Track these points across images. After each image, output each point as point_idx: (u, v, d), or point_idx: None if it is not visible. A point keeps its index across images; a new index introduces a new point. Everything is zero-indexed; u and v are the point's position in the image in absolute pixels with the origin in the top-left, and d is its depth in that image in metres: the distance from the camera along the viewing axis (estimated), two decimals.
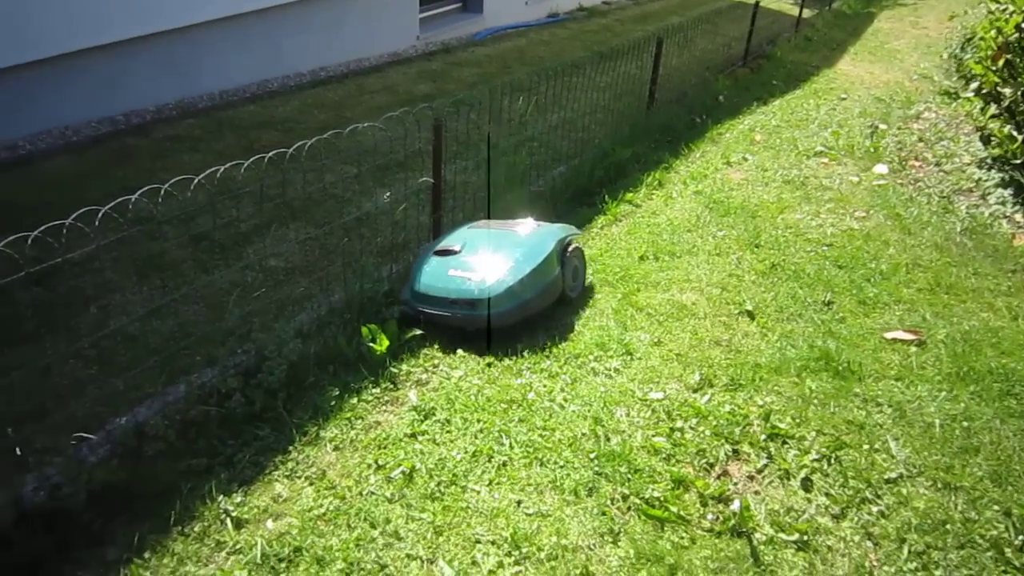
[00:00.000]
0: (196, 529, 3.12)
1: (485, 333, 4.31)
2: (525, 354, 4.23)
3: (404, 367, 4.10)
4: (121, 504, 3.22)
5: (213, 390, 3.77)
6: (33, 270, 3.11)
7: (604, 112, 7.76)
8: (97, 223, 3.21)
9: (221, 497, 3.24)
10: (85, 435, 3.52)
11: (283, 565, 2.95)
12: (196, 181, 3.60)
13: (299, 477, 3.40)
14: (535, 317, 4.47)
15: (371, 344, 4.13)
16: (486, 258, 4.40)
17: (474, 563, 2.93)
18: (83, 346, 4.30)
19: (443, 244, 4.61)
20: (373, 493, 3.29)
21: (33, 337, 4.45)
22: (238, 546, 3.04)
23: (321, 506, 3.22)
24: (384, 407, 3.87)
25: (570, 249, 4.73)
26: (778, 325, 4.65)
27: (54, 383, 4.09)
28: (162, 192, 3.47)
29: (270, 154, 3.99)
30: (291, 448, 3.55)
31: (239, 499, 3.25)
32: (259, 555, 2.97)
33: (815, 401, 3.94)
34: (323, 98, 9.28)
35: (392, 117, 4.79)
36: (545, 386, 3.96)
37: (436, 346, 4.30)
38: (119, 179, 6.78)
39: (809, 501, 3.34)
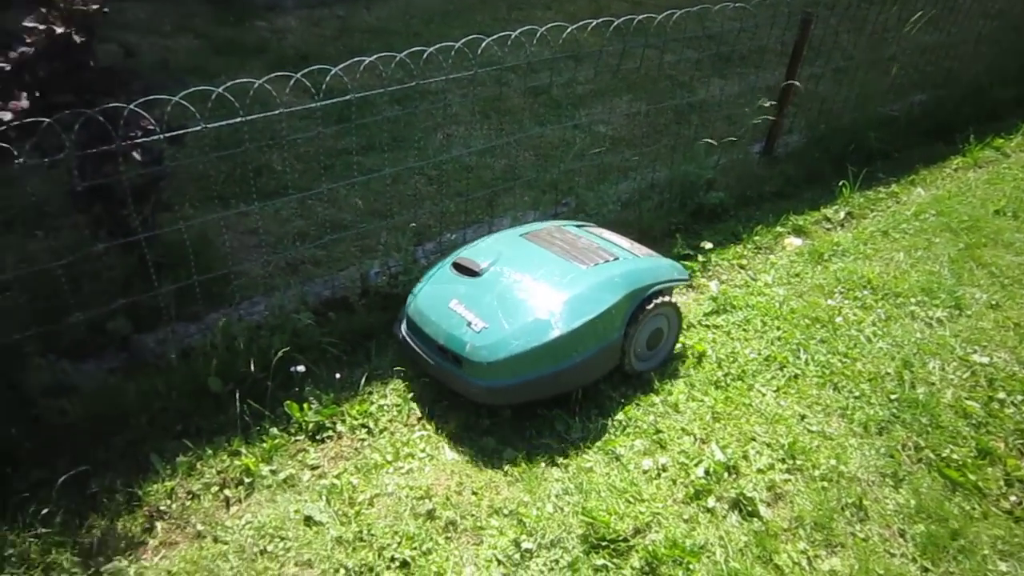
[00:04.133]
0: None
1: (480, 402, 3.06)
2: (840, 276, 4.01)
3: (713, 257, 4.08)
4: None
5: None
6: (398, 87, 3.44)
7: (988, 43, 6.75)
8: (475, 56, 3.47)
9: None
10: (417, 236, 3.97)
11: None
12: (569, 31, 3.72)
13: None
14: None
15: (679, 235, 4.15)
16: (509, 295, 3.04)
17: (745, 457, 2.94)
18: (427, 165, 4.76)
19: (470, 252, 3.29)
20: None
21: (388, 148, 5.01)
22: None
23: None
24: (683, 288, 3.90)
25: (654, 304, 3.17)
26: None
27: (400, 191, 4.61)
28: (539, 33, 3.64)
29: (620, 21, 4.00)
30: None
31: None
32: None
33: None
34: None
35: (748, 6, 4.54)
36: (856, 315, 3.74)
37: (751, 246, 4.24)
38: (476, 23, 7.22)
39: None
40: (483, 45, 3.48)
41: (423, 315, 3.10)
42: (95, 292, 3.46)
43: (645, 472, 2.86)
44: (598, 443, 2.96)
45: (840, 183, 4.83)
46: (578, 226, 3.55)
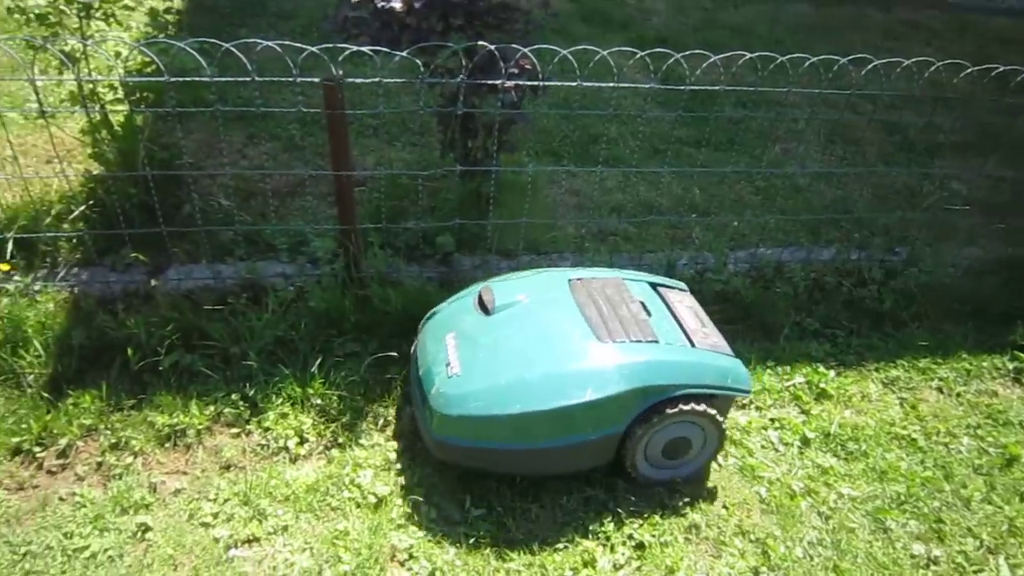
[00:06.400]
0: (787, 371, 3.30)
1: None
2: None
3: None
4: (738, 313, 3.55)
5: (853, 270, 3.79)
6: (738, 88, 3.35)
7: None
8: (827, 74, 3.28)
9: (819, 365, 3.35)
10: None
11: (841, 452, 2.97)
12: (967, 72, 3.40)
13: (892, 388, 3.32)
14: None
15: None
16: (501, 347, 2.62)
17: None
18: (758, 175, 4.63)
19: (499, 286, 2.88)
20: (960, 451, 3.05)
21: (722, 147, 4.96)
22: (812, 410, 3.15)
23: (903, 428, 3.11)
24: (1008, 382, 3.47)
25: (680, 408, 2.54)
26: None
27: (723, 193, 4.54)
28: (932, 67, 3.36)
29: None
30: (898, 361, 3.45)
31: (830, 373, 3.32)
32: (831, 428, 3.03)
33: None
34: None
35: None
36: None
37: None
38: (844, 43, 6.84)
39: None
40: (868, 67, 3.28)
41: (423, 338, 2.82)
42: (431, 207, 3.83)
43: (913, 557, 2.61)
44: (869, 507, 2.75)
45: None
46: (653, 286, 2.98)
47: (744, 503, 2.72)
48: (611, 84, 3.02)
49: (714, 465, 2.85)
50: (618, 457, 2.64)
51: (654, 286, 2.98)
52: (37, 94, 2.81)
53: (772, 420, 3.09)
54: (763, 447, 2.96)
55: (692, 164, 4.62)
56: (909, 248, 3.99)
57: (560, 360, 2.55)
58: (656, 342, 2.61)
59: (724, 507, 2.70)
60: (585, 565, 2.45)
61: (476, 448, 2.54)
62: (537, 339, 2.62)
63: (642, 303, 2.80)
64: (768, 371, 3.31)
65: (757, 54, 3.19)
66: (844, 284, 3.70)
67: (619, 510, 2.62)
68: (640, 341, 2.59)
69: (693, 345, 2.67)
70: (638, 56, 3.02)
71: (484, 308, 2.76)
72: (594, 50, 2.95)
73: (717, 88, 3.17)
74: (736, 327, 3.49)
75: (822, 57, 3.20)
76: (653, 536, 2.55)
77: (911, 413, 3.21)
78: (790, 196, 4.57)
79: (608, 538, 2.53)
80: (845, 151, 5.18)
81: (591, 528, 2.56)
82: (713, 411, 2.59)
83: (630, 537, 2.54)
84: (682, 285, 3.10)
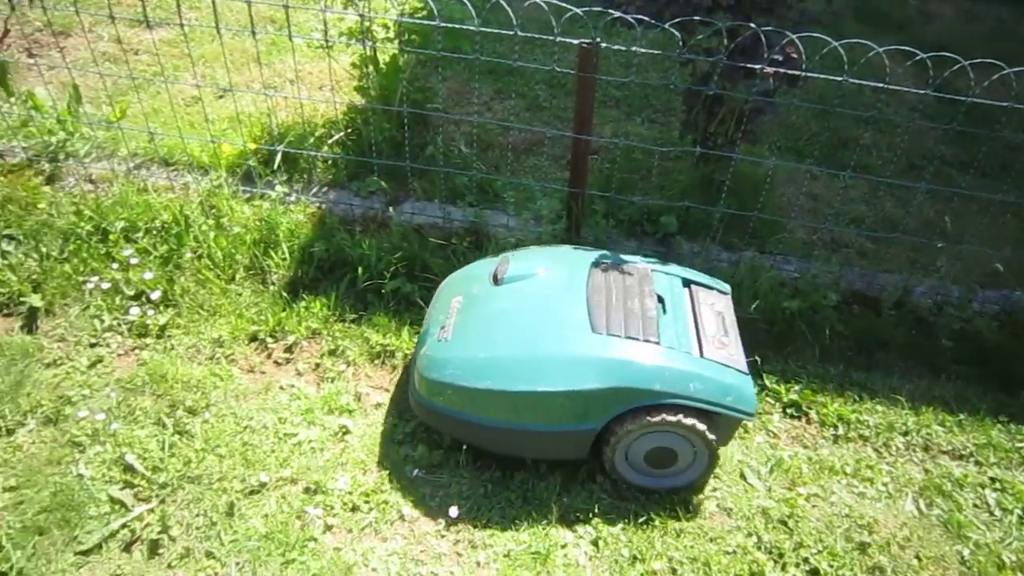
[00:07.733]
0: (1023, 431, 2.96)
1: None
2: None
3: None
4: (974, 356, 3.22)
5: None
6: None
7: None
8: None
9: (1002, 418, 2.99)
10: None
11: None
12: None
13: None
14: None
15: None
16: (495, 320, 2.55)
17: None
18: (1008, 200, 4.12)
19: (517, 256, 2.82)
20: None
21: (992, 173, 4.46)
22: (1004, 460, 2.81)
23: None
24: None
25: (661, 417, 2.32)
26: None
27: (984, 223, 4.09)
28: None
29: None
30: None
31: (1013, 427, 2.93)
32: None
33: None
34: None
35: None
36: None
37: None
38: None
39: None
40: None
41: (435, 298, 2.84)
42: (660, 186, 3.79)
43: None
44: None
45: None
46: (687, 283, 2.74)
47: (941, 560, 2.48)
48: (880, 84, 2.80)
49: (914, 512, 2.62)
50: (596, 454, 2.52)
51: (688, 283, 2.75)
52: (326, 25, 3.07)
53: (992, 479, 2.78)
54: (976, 506, 2.67)
55: (952, 186, 4.19)
56: None
57: (542, 344, 2.46)
58: (655, 343, 2.41)
59: (917, 558, 2.48)
60: None
61: (452, 417, 2.51)
62: (531, 317, 2.55)
63: (660, 298, 2.60)
64: (999, 426, 2.97)
65: None
66: None
67: (798, 529, 2.49)
68: (635, 338, 2.40)
69: (701, 353, 2.44)
70: (917, 58, 2.77)
71: (494, 277, 2.70)
72: (867, 45, 2.73)
73: (1005, 105, 2.82)
74: (969, 370, 3.17)
75: None
76: (831, 566, 2.40)
77: None
78: None
79: (782, 555, 2.42)
80: None
81: (764, 540, 2.45)
82: (693, 422, 2.35)
83: (805, 560, 2.41)
84: (724, 287, 2.81)
